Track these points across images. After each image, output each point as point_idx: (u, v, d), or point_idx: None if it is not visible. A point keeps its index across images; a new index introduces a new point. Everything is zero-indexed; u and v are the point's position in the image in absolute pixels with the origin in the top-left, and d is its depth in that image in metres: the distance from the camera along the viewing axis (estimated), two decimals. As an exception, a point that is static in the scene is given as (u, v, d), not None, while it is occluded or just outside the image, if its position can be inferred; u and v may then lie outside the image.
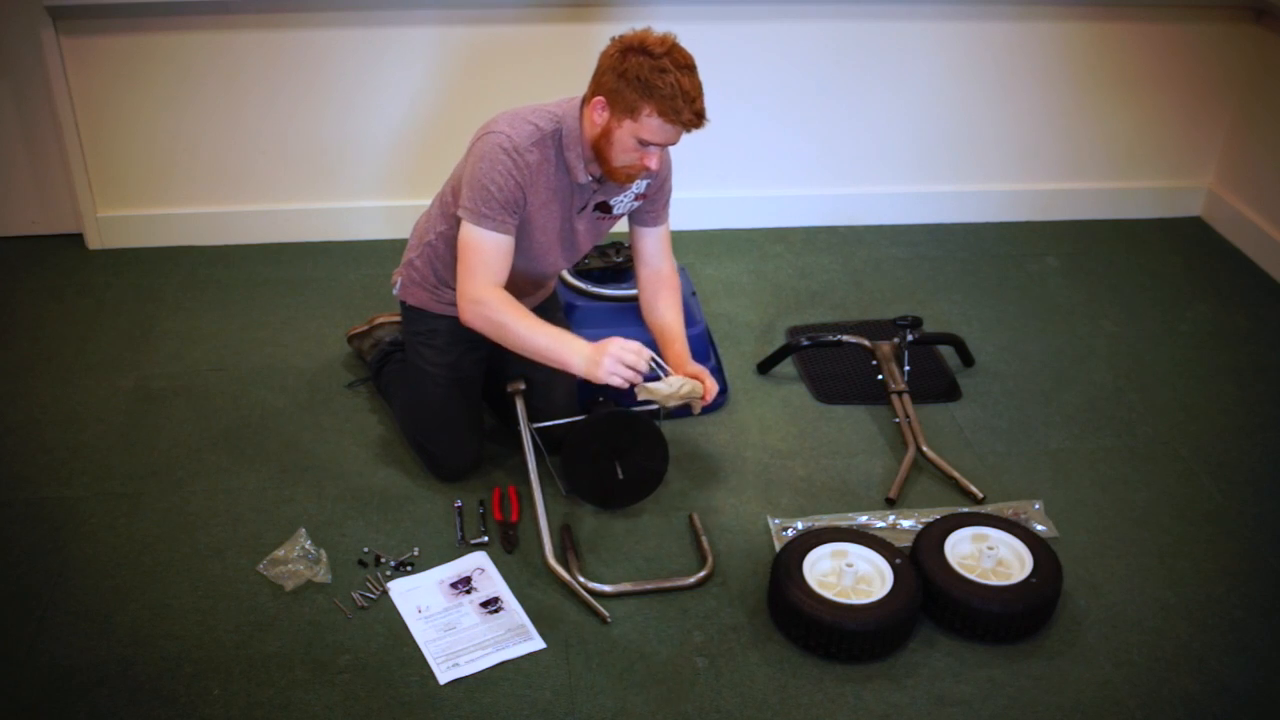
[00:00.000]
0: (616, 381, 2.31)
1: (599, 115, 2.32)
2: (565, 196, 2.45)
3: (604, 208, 2.53)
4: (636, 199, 2.54)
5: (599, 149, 2.35)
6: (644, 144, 2.31)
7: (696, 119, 2.27)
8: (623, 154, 2.33)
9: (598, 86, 2.31)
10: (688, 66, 2.26)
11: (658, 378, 2.41)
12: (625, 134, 2.30)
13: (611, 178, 2.40)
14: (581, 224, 2.54)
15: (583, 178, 2.41)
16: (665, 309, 2.62)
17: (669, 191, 2.59)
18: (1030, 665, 2.29)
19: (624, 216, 2.61)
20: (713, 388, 2.50)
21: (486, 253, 2.37)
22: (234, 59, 3.37)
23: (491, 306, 2.35)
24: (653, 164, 2.34)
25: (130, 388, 2.99)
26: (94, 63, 3.33)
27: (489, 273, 2.37)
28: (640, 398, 2.44)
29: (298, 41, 3.37)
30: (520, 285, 2.60)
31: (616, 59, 2.27)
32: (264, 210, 3.63)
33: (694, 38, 3.49)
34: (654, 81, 2.23)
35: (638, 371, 2.32)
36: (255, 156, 3.54)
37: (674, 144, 2.34)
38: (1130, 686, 2.26)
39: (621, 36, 2.30)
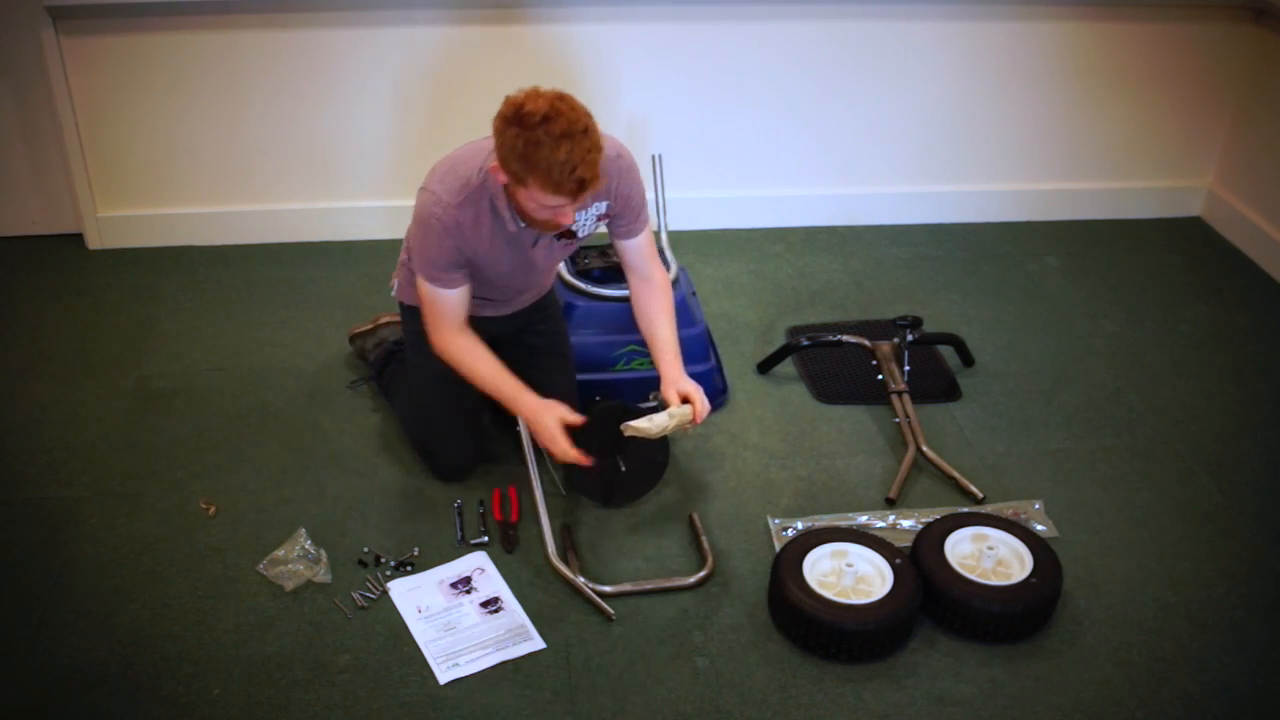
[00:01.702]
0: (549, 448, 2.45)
1: (502, 179, 2.27)
2: (511, 237, 2.42)
3: (567, 234, 2.49)
4: (600, 219, 2.50)
5: (515, 206, 2.33)
6: (547, 206, 2.25)
7: (579, 188, 2.18)
8: (535, 213, 2.28)
9: (494, 153, 2.25)
10: (565, 134, 2.12)
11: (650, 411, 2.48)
12: (525, 198, 2.25)
13: (539, 230, 2.37)
14: (539, 253, 2.50)
15: (513, 227, 2.38)
16: (655, 318, 2.57)
17: (638, 203, 2.51)
18: (1030, 665, 2.29)
19: (589, 237, 2.56)
20: (703, 410, 2.48)
21: (442, 306, 2.44)
22: (234, 59, 3.37)
23: (454, 356, 2.48)
24: (566, 221, 2.28)
25: (130, 388, 2.99)
26: (94, 63, 3.33)
27: (449, 322, 2.46)
28: (626, 435, 2.46)
29: (298, 41, 3.37)
30: (499, 294, 2.59)
31: (499, 130, 2.19)
32: (264, 210, 3.63)
33: (695, 38, 3.51)
34: (530, 156, 2.14)
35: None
36: (255, 156, 3.54)
37: (577, 204, 2.26)
38: (1130, 686, 2.26)
39: (507, 99, 2.18)
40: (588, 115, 2.19)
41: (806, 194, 3.84)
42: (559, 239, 2.50)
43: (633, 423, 2.44)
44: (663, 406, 2.54)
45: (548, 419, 2.42)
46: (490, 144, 2.31)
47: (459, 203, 2.33)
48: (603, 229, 2.55)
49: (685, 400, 2.49)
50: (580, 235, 2.52)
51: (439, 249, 2.35)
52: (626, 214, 2.50)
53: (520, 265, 2.50)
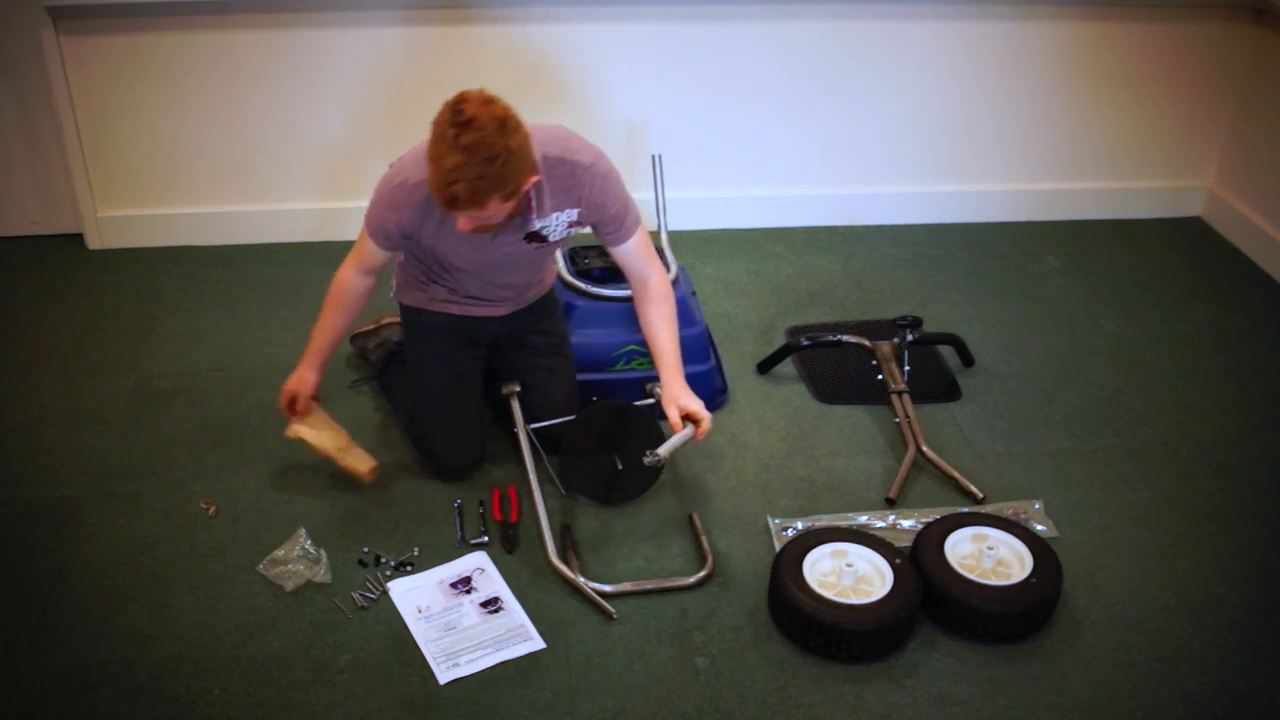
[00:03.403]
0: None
1: None
2: (462, 232, 2.33)
3: (536, 237, 2.43)
4: (570, 227, 2.44)
5: None
6: None
7: (449, 202, 2.12)
8: None
9: None
10: (468, 148, 2.05)
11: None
12: None
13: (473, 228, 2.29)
14: (503, 252, 2.44)
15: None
16: (654, 323, 2.53)
17: (618, 211, 2.42)
18: (1030, 665, 2.29)
19: (564, 240, 2.50)
20: (706, 428, 2.44)
21: (365, 245, 2.49)
22: (234, 59, 3.37)
23: (334, 287, 2.56)
24: (464, 229, 2.22)
25: (130, 387, 2.99)
26: (94, 63, 3.33)
27: (362, 259, 2.51)
28: (653, 462, 2.42)
29: (298, 41, 3.37)
30: (486, 292, 2.58)
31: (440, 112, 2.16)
32: (264, 210, 3.63)
33: (695, 38, 3.51)
34: (431, 149, 2.12)
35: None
36: (255, 156, 3.54)
37: (467, 215, 2.17)
38: (1130, 686, 2.26)
39: (461, 91, 2.14)
40: (511, 151, 2.09)
41: (806, 194, 3.84)
42: (528, 240, 2.44)
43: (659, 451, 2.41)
44: (660, 402, 2.52)
45: (289, 381, 2.60)
46: None
47: (415, 183, 2.31)
48: (587, 230, 2.50)
49: (687, 417, 2.45)
50: (550, 240, 2.46)
51: (380, 215, 2.40)
52: (607, 222, 2.44)
53: (484, 262, 2.47)
